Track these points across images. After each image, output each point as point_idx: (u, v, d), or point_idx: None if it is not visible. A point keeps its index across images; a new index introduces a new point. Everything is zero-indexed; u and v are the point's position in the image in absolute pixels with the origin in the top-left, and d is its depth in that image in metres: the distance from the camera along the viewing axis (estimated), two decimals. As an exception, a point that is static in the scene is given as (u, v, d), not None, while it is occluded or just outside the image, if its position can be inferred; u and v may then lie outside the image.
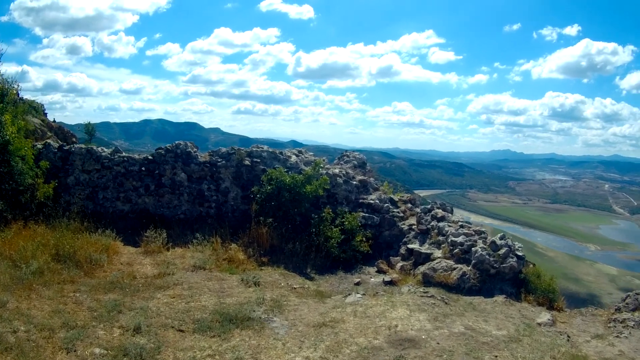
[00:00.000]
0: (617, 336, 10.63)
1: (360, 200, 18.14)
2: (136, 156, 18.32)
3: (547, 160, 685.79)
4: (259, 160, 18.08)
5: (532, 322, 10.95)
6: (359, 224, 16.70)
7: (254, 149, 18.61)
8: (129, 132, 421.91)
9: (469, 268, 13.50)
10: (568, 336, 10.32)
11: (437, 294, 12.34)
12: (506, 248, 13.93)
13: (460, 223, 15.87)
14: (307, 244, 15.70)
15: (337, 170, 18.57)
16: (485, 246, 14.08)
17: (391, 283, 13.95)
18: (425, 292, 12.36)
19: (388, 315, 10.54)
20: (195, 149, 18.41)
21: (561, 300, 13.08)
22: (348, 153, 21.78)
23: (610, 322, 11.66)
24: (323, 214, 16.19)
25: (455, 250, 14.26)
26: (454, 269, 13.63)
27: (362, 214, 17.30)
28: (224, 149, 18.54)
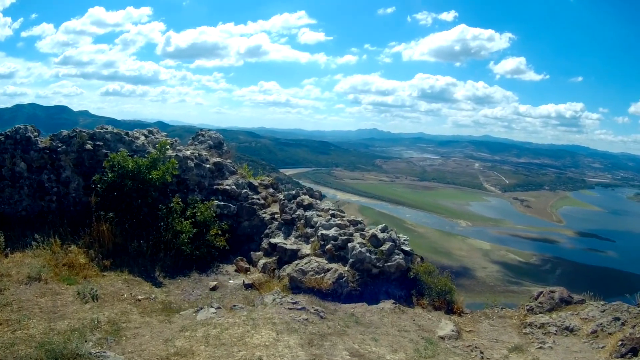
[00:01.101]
0: (540, 347, 9.07)
1: (215, 187, 15.96)
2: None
3: (415, 140, 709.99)
4: (101, 144, 15.25)
5: (433, 335, 9.29)
6: (214, 215, 14.60)
7: (97, 131, 15.75)
8: (2, 118, 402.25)
9: (346, 269, 11.57)
10: (481, 352, 8.63)
11: (310, 304, 10.32)
12: (390, 243, 12.06)
13: (331, 212, 14.01)
14: (156, 241, 13.39)
15: (188, 153, 16.25)
16: (364, 241, 12.15)
17: (252, 286, 12.12)
18: (294, 303, 10.23)
19: (249, 342, 8.36)
20: (35, 134, 15.50)
21: (461, 301, 11.54)
22: (203, 132, 19.48)
23: (524, 327, 10.23)
24: (172, 205, 13.81)
25: (327, 246, 12.34)
26: (328, 270, 11.61)
27: (216, 202, 15.18)
28: (65, 132, 15.68)
